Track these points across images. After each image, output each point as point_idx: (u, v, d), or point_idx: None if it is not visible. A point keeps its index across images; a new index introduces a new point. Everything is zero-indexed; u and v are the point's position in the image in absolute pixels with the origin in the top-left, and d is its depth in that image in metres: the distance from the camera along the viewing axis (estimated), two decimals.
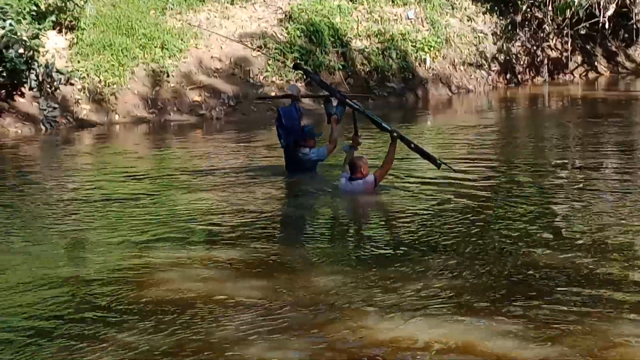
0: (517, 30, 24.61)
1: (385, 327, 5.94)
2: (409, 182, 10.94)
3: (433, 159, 10.30)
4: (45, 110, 16.91)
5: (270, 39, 20.31)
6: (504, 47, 24.29)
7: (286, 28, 20.75)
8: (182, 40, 19.38)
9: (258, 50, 19.75)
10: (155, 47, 18.94)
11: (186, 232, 8.71)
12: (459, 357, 5.48)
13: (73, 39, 18.44)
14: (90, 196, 10.66)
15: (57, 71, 16.89)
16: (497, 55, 24.14)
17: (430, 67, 22.44)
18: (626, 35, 27.09)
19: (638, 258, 7.50)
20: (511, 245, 7.94)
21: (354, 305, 6.37)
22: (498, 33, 24.36)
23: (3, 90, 16.66)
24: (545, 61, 25.14)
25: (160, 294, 6.71)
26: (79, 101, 17.63)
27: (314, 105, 18.27)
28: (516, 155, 13.43)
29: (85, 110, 17.64)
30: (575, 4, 23.92)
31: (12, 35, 16.16)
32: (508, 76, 24.33)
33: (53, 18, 17.94)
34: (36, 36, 16.74)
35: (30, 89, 16.75)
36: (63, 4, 18.23)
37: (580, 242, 8.01)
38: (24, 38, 16.39)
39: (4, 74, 16.34)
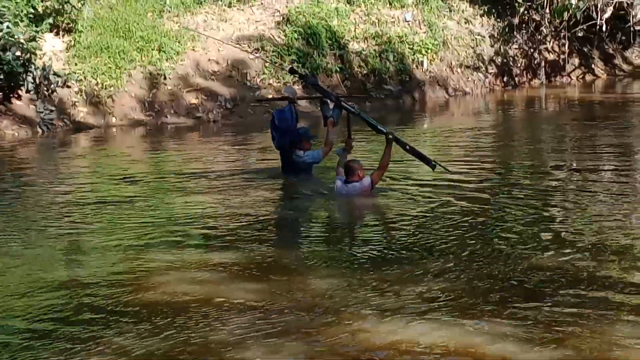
0: (515, 32, 24.63)
1: (384, 331, 5.92)
2: (405, 185, 10.93)
3: (428, 160, 10.32)
4: (42, 112, 16.89)
5: (268, 42, 20.31)
6: (501, 50, 24.31)
7: (284, 31, 20.75)
8: (179, 42, 19.38)
9: (254, 54, 19.74)
10: (152, 49, 18.94)
11: (182, 234, 8.70)
12: None
13: (70, 41, 18.44)
14: (86, 199, 10.65)
15: (54, 74, 16.88)
16: (494, 58, 24.16)
17: (427, 69, 22.45)
18: (623, 38, 27.12)
19: (638, 259, 7.49)
20: (510, 248, 7.92)
21: (352, 309, 6.35)
22: (495, 35, 24.38)
23: (0, 93, 16.64)
24: (543, 64, 25.16)
25: (156, 297, 6.70)
26: (76, 104, 17.63)
27: (310, 108, 18.29)
28: (513, 158, 13.44)
29: (82, 112, 17.63)
30: (573, 6, 23.94)
31: (10, 38, 16.14)
32: (505, 79, 24.34)
33: (50, 20, 17.95)
34: (33, 39, 16.74)
35: (28, 91, 16.73)
36: (60, 7, 18.23)
37: (579, 244, 7.99)
38: (21, 41, 16.37)
39: (1, 77, 16.32)
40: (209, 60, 19.54)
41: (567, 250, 7.76)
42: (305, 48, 20.56)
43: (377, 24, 22.31)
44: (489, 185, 11.10)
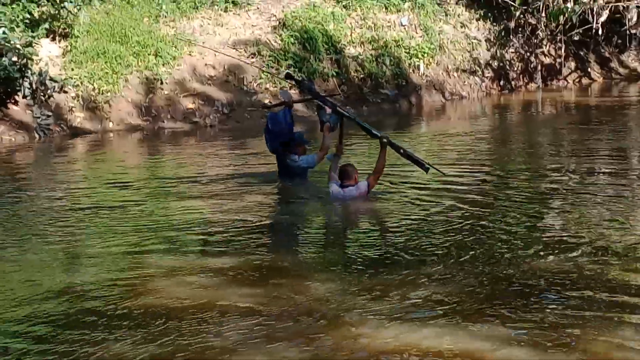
0: (511, 36, 24.66)
1: (388, 336, 5.89)
2: (402, 188, 10.92)
3: (421, 163, 10.32)
4: (38, 118, 16.88)
5: (264, 46, 20.32)
6: (498, 54, 24.34)
7: (280, 35, 20.76)
8: (175, 47, 19.38)
9: (250, 59, 19.75)
10: (148, 54, 18.94)
11: (179, 240, 8.68)
12: None
13: (67, 46, 18.42)
14: (82, 205, 10.63)
15: (51, 79, 16.88)
16: (490, 62, 24.19)
17: (423, 73, 22.47)
18: (619, 41, 27.17)
19: (637, 261, 7.49)
20: (511, 251, 7.90)
21: (351, 313, 6.33)
22: (491, 39, 24.42)
23: None
24: (539, 67, 25.19)
25: (153, 302, 6.69)
26: (73, 109, 17.62)
27: (307, 112, 18.29)
28: (510, 161, 13.45)
29: (79, 118, 17.62)
30: (569, 10, 23.97)
31: (6, 43, 16.14)
32: (501, 82, 24.37)
33: (46, 26, 17.93)
34: (30, 44, 16.73)
35: (24, 97, 16.73)
36: (56, 12, 18.22)
37: (580, 246, 7.98)
38: (18, 46, 16.37)
39: None
40: (206, 65, 19.54)
41: (569, 253, 7.74)
42: (301, 52, 20.56)
43: (373, 29, 22.33)
44: (487, 189, 11.10)
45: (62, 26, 18.47)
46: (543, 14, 24.57)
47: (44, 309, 6.61)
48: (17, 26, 16.93)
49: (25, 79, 16.54)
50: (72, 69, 17.96)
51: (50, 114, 17.10)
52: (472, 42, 23.93)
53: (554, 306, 6.39)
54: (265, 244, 8.72)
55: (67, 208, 10.43)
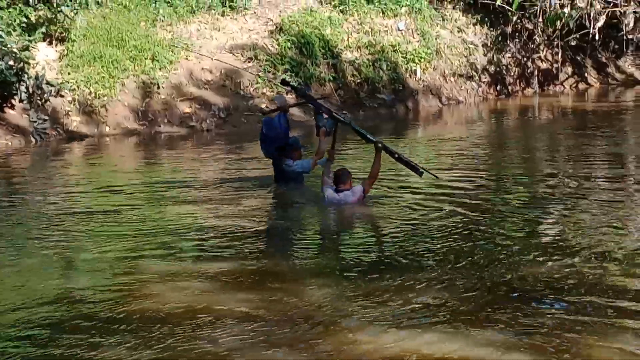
0: (508, 41, 24.68)
1: (387, 342, 5.87)
2: (398, 193, 10.91)
3: (415, 168, 10.34)
4: (35, 122, 16.87)
5: (261, 51, 20.31)
6: (495, 59, 24.35)
7: (277, 40, 20.76)
8: (172, 52, 19.36)
9: (246, 64, 19.75)
10: (145, 58, 18.92)
11: (175, 244, 8.66)
12: None
13: (63, 50, 18.40)
14: (78, 209, 10.61)
15: (47, 83, 16.87)
16: (487, 67, 24.20)
17: (420, 78, 22.46)
18: (616, 47, 27.18)
19: (635, 266, 7.48)
20: (509, 256, 7.88)
21: (347, 319, 6.31)
22: (488, 44, 24.43)
23: None
24: (536, 72, 25.20)
25: (149, 307, 6.67)
26: (69, 113, 17.60)
27: (304, 117, 18.28)
28: (506, 166, 13.44)
29: (75, 122, 17.60)
30: (566, 15, 23.98)
31: (2, 47, 16.14)
32: (498, 87, 24.37)
33: (43, 30, 17.91)
34: (26, 48, 16.72)
35: (21, 101, 16.72)
36: (53, 16, 18.20)
37: (578, 251, 7.97)
38: (14, 50, 16.36)
39: None
40: (203, 69, 19.53)
41: (568, 258, 7.72)
42: (298, 57, 20.56)
43: (370, 33, 22.33)
44: (484, 193, 11.09)
45: (58, 30, 18.45)
46: (540, 19, 24.59)
47: (39, 313, 6.59)
48: (14, 30, 16.92)
49: (21, 82, 16.53)
50: (69, 73, 17.94)
51: (46, 118, 17.08)
52: (469, 47, 23.94)
53: (554, 311, 6.37)
54: (261, 249, 8.69)
55: (63, 212, 10.41)
